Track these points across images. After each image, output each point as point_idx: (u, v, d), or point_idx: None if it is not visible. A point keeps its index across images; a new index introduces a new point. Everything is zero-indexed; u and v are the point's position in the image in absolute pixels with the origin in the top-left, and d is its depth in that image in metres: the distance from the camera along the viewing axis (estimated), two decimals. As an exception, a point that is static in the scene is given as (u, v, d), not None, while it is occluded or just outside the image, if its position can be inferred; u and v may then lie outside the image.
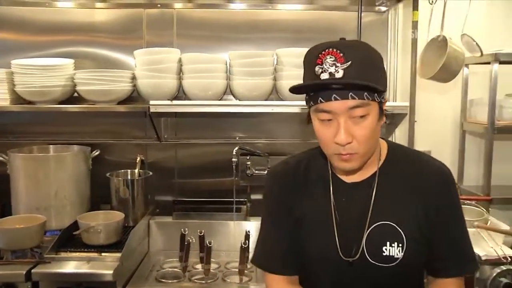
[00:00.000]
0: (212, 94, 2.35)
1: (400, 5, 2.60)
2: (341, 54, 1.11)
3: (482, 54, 2.38)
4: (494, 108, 2.42)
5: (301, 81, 2.29)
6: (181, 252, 2.25)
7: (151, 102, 2.27)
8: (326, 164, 1.34)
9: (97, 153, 2.56)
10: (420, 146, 2.74)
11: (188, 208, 2.61)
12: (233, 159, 2.42)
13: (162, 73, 2.32)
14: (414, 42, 2.54)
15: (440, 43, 2.32)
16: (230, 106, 2.32)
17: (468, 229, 2.10)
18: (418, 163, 1.32)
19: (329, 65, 1.11)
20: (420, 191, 1.27)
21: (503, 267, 2.00)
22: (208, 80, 2.32)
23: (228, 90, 2.39)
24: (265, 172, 2.54)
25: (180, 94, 2.43)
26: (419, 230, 1.26)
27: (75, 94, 2.40)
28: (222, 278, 2.18)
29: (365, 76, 1.11)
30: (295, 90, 1.19)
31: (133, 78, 2.39)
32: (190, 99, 2.36)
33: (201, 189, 2.68)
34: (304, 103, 2.30)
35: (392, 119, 2.56)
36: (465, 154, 2.81)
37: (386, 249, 1.24)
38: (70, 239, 2.16)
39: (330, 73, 1.11)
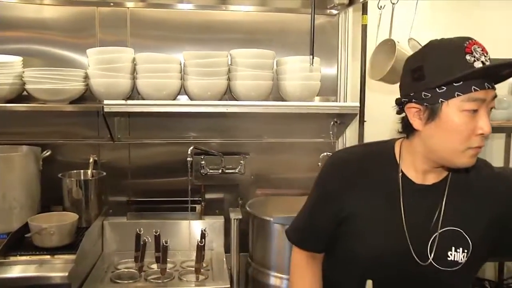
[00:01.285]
0: (167, 94, 2.35)
1: (351, 9, 2.68)
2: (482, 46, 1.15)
3: (427, 58, 2.49)
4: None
5: (254, 81, 2.34)
6: (136, 252, 2.24)
7: (105, 102, 2.25)
8: (395, 163, 1.32)
9: (48, 153, 2.50)
10: (369, 145, 2.84)
11: (143, 208, 2.61)
12: (188, 159, 2.42)
13: (115, 72, 2.30)
14: (364, 44, 2.63)
15: (388, 46, 2.41)
16: (184, 106, 2.32)
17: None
18: (486, 169, 1.34)
19: (480, 54, 1.13)
20: (493, 199, 1.29)
21: None
22: (162, 80, 2.32)
23: (183, 90, 2.40)
24: (219, 171, 2.57)
25: (134, 93, 2.41)
26: (485, 235, 1.28)
27: (25, 93, 2.34)
28: (179, 277, 2.19)
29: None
30: (453, 80, 1.14)
31: (86, 77, 2.35)
32: (144, 99, 2.35)
33: (156, 189, 2.68)
34: (256, 103, 2.37)
35: (342, 119, 2.64)
36: (412, 153, 2.92)
37: (451, 254, 1.26)
38: (20, 243, 2.11)
39: (483, 62, 1.12)
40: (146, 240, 2.20)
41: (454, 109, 1.16)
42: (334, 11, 2.71)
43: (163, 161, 2.67)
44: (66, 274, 1.91)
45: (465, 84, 1.14)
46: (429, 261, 1.26)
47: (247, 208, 2.43)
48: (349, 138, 2.84)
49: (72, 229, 2.16)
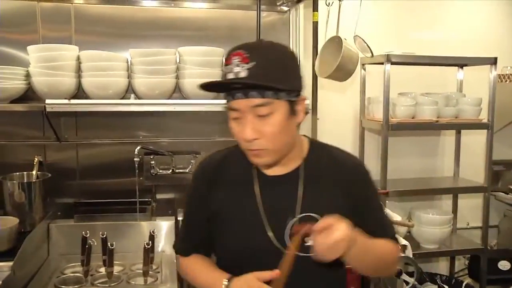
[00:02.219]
0: (113, 93, 2.28)
1: (301, 6, 2.66)
2: (247, 55, 1.16)
3: (372, 55, 2.51)
4: (388, 106, 2.56)
5: (203, 79, 2.31)
6: (82, 256, 2.17)
7: (47, 102, 2.17)
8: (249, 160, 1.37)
9: (-11, 155, 2.40)
10: (322, 142, 2.85)
11: (91, 210, 2.53)
12: (135, 159, 2.37)
13: (59, 70, 2.23)
14: (315, 42, 2.63)
15: (336, 44, 2.41)
16: (131, 105, 2.27)
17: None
18: (338, 158, 1.39)
19: (235, 65, 1.17)
20: (342, 183, 1.35)
21: (395, 256, 2.14)
22: (108, 78, 2.25)
23: (130, 89, 2.34)
24: (170, 171, 2.52)
25: (80, 92, 2.34)
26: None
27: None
28: (127, 280, 2.14)
29: (268, 76, 1.15)
30: (205, 88, 1.23)
31: (27, 75, 2.27)
32: (90, 98, 2.28)
33: (104, 190, 2.60)
34: (204, 101, 2.34)
35: (295, 117, 2.63)
36: (365, 150, 2.95)
37: (308, 239, 1.28)
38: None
39: (235, 73, 1.16)
40: (92, 243, 2.14)
41: (228, 115, 1.27)
42: (285, 8, 2.70)
43: (112, 161, 2.60)
44: (0, 282, 1.83)
45: (227, 94, 1.23)
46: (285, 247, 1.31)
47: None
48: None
49: (11, 234, 2.07)
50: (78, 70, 2.30)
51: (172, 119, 2.60)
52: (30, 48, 2.25)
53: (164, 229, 2.48)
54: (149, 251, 2.13)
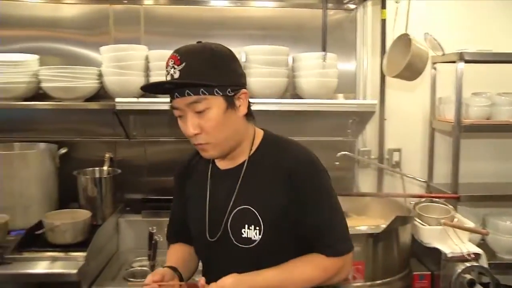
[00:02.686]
0: (181, 91, 2.32)
1: (369, 3, 2.61)
2: (178, 57, 1.26)
3: (444, 53, 2.40)
4: (460, 107, 2.44)
5: (269, 78, 2.32)
6: (149, 251, 2.23)
7: (117, 100, 2.25)
8: None
9: (65, 151, 2.52)
10: (390, 143, 2.77)
11: (158, 206, 2.59)
12: (203, 157, 2.40)
13: (129, 70, 2.30)
14: (383, 40, 2.55)
15: (405, 42, 2.33)
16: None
17: (435, 227, 2.14)
18: (284, 151, 1.39)
19: (170, 67, 1.27)
20: (278, 177, 1.35)
21: (468, 264, 2.03)
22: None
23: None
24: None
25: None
26: (279, 215, 1.34)
27: (41, 91, 2.37)
28: (191, 276, 2.17)
29: (198, 75, 1.24)
30: (147, 90, 1.34)
31: (100, 75, 2.36)
32: (158, 97, 2.34)
33: (171, 187, 2.64)
34: (271, 100, 2.33)
35: (360, 117, 2.57)
36: (435, 152, 2.83)
37: (244, 231, 1.35)
38: (35, 239, 2.11)
39: (171, 75, 1.27)
40: (158, 239, 2.19)
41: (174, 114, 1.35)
42: (352, 6, 2.64)
43: (178, 158, 2.63)
44: (75, 271, 1.92)
45: (170, 95, 1.31)
46: (217, 236, 1.39)
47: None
48: (369, 136, 2.77)
49: (85, 226, 2.17)
50: (147, 70, 2.36)
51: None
52: (102, 48, 2.34)
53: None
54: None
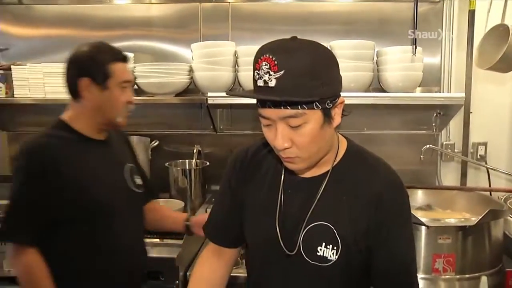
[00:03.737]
0: (267, 86, 2.39)
1: (456, -6, 2.57)
2: (276, 62, 1.07)
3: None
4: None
5: (354, 72, 2.32)
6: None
7: (209, 94, 2.34)
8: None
9: (156, 143, 2.65)
10: (475, 137, 2.71)
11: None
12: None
13: (218, 65, 2.39)
14: (471, 32, 2.51)
15: (500, 32, 2.27)
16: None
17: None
18: (371, 170, 1.26)
19: (264, 72, 1.08)
20: (365, 199, 1.22)
21: None
22: (264, 72, 2.36)
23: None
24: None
25: (235, 86, 2.49)
26: (353, 237, 1.22)
27: (135, 87, 2.50)
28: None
29: (298, 87, 1.07)
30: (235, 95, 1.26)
31: (190, 70, 2.46)
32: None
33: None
34: (355, 94, 2.34)
35: (446, 111, 2.54)
36: (524, 147, 2.75)
37: (320, 249, 1.22)
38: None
39: (264, 81, 1.08)
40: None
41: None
42: (438, -2, 2.61)
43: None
44: (175, 256, 2.03)
45: (257, 100, 1.15)
46: (295, 251, 1.24)
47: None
48: (453, 130, 2.72)
49: (179, 215, 2.27)
50: (235, 65, 2.44)
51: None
52: (193, 45, 2.44)
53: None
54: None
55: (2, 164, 2.88)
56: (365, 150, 1.32)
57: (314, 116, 1.12)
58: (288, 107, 1.08)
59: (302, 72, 1.07)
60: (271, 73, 1.07)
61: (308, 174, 1.27)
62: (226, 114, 2.71)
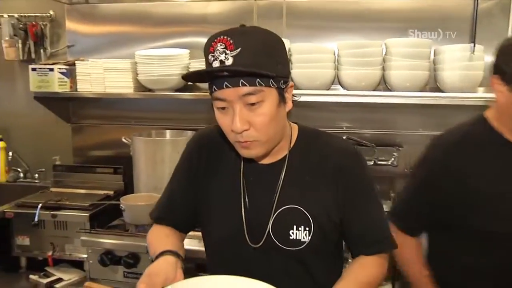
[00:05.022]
0: (320, 84, 2.38)
1: (524, -12, 2.43)
2: (231, 41, 1.10)
3: None
4: None
5: (410, 71, 2.26)
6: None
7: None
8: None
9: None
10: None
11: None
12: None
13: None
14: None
15: None
16: (338, 96, 2.35)
17: None
18: (325, 145, 1.29)
19: (220, 52, 1.10)
20: (326, 173, 1.25)
21: None
22: (317, 70, 2.35)
23: (336, 80, 2.41)
24: (372, 163, 2.53)
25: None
26: (326, 213, 1.24)
27: (189, 83, 2.56)
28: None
29: (256, 63, 1.09)
30: (189, 78, 1.22)
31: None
32: (298, 88, 2.41)
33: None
34: (411, 94, 2.29)
35: None
36: None
37: (292, 233, 1.23)
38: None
39: (221, 61, 1.10)
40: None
41: (213, 105, 1.19)
42: (505, -7, 2.49)
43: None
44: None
45: (210, 84, 1.15)
46: (263, 240, 1.24)
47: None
48: None
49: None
50: (289, 62, 2.44)
51: (376, 111, 2.61)
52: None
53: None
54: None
55: (67, 155, 3.04)
56: (317, 130, 1.36)
57: (271, 95, 1.14)
58: (246, 84, 1.10)
59: (258, 50, 1.12)
60: (227, 51, 1.10)
61: (266, 161, 1.28)
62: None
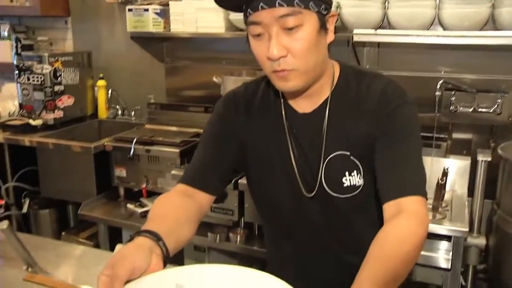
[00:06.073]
0: (418, 25, 2.23)
1: None
2: None
3: None
4: None
5: (467, 9, 2.06)
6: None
7: (355, 31, 2.26)
8: (278, 93, 1.24)
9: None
10: None
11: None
12: (436, 93, 2.29)
13: (367, 1, 2.28)
14: None
15: None
16: (439, 37, 2.19)
17: None
18: (366, 83, 1.19)
19: None
20: (366, 114, 1.17)
21: None
22: (416, 9, 2.20)
23: (436, 21, 2.24)
24: (471, 110, 2.36)
25: (384, 23, 2.36)
26: (370, 155, 1.16)
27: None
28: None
29: None
30: (222, 3, 1.12)
31: (338, 7, 2.39)
32: (394, 29, 2.28)
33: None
34: (476, 33, 2.10)
35: None
36: None
37: (346, 180, 1.18)
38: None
39: None
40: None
41: (248, 34, 1.13)
42: None
43: (410, 94, 2.58)
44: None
45: (245, 8, 1.08)
46: (315, 191, 1.20)
47: (499, 152, 2.21)
48: None
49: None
50: (385, 1, 2.30)
51: (479, 54, 2.41)
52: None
53: (457, 168, 2.38)
54: (441, 188, 2.09)
55: (161, 94, 3.15)
56: (361, 68, 1.29)
57: (310, 19, 1.07)
58: (283, 4, 1.03)
59: None
60: None
61: (307, 108, 1.22)
62: (373, 53, 2.59)
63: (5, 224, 1.09)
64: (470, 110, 2.36)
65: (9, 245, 1.21)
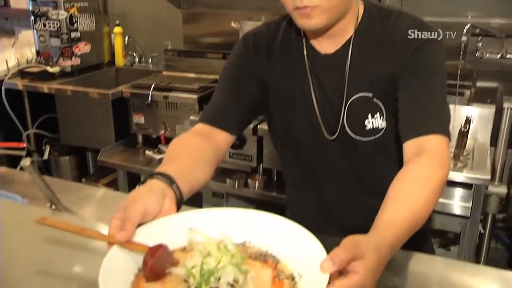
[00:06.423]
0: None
1: None
2: None
3: None
4: None
5: None
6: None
7: None
8: (300, 32, 1.19)
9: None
10: None
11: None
12: (462, 38, 2.22)
13: None
14: None
15: None
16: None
17: None
18: (392, 21, 1.14)
19: None
20: (390, 52, 1.13)
21: None
22: None
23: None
24: (498, 56, 2.29)
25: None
26: (394, 96, 1.12)
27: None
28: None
29: None
30: None
31: None
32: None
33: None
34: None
35: None
36: None
37: (368, 122, 1.15)
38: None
39: None
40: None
41: None
42: None
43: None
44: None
45: None
46: (337, 133, 1.17)
47: (526, 100, 2.15)
48: None
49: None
50: None
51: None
52: None
53: (480, 116, 2.33)
54: (464, 136, 2.05)
55: (178, 40, 3.10)
56: (387, 6, 1.23)
57: None
58: None
59: None
60: None
61: (330, 48, 1.18)
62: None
63: (28, 161, 1.10)
64: (498, 56, 2.29)
65: (33, 185, 1.22)
